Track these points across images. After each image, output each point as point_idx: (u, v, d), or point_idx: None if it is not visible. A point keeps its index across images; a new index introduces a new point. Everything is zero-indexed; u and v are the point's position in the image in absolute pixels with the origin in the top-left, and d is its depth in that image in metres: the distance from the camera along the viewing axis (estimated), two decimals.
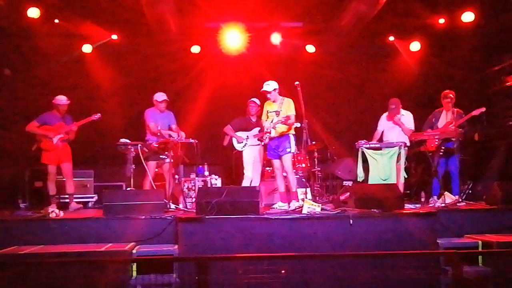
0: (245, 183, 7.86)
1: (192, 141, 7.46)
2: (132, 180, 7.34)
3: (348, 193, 6.87)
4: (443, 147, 7.22)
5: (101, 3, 8.67)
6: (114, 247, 5.54)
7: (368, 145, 7.39)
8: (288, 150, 6.98)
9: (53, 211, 6.48)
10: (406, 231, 5.93)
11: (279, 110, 6.99)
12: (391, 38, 10.13)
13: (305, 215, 6.06)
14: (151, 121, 7.54)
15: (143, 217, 6.11)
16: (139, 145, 7.32)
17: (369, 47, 10.46)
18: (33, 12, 8.40)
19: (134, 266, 5.41)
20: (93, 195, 8.93)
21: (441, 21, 9.44)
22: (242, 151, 8.05)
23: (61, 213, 6.58)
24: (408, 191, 7.94)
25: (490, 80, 9.72)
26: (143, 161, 7.33)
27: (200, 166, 8.63)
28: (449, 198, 7.07)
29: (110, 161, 8.95)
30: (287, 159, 7.02)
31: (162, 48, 9.96)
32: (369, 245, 5.78)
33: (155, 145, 7.44)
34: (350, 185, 8.03)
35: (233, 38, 9.51)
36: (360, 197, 6.44)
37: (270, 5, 8.83)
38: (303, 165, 8.47)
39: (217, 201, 5.96)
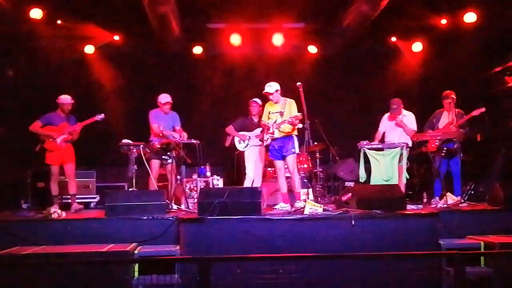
0: (247, 183, 7.86)
1: (194, 141, 7.46)
2: (134, 180, 7.35)
3: (350, 194, 6.86)
4: (445, 148, 7.22)
5: (103, 4, 8.68)
6: (116, 248, 5.54)
7: (370, 146, 7.39)
8: (293, 150, 6.96)
9: (55, 212, 6.49)
10: (408, 232, 5.92)
11: (283, 111, 6.98)
12: (393, 39, 10.13)
13: (307, 215, 6.05)
14: (154, 122, 7.55)
15: (145, 217, 6.12)
16: (141, 145, 7.33)
17: (371, 48, 10.46)
18: (36, 13, 8.41)
19: (136, 267, 5.41)
20: (95, 196, 8.93)
21: (443, 21, 9.44)
22: (244, 151, 8.06)
23: (63, 214, 6.59)
24: (410, 192, 7.93)
25: (493, 81, 9.70)
26: (145, 161, 7.35)
27: (202, 167, 8.63)
28: (451, 198, 7.06)
29: (112, 161, 8.97)
30: (292, 159, 7.01)
31: (164, 49, 9.98)
32: (371, 245, 5.76)
33: (157, 145, 7.45)
34: (352, 185, 8.03)
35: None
36: (362, 197, 6.44)
37: (272, 6, 8.84)
38: (305, 165, 8.47)
39: (219, 202, 5.96)
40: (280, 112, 7.00)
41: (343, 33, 9.49)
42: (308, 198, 7.12)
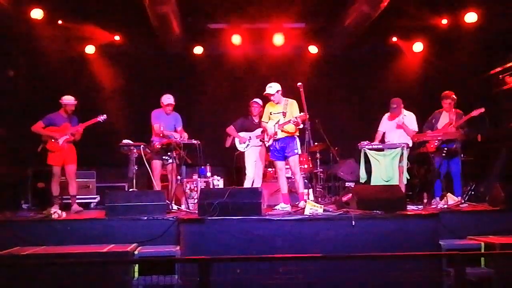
0: (247, 183, 7.86)
1: (195, 142, 7.46)
2: (134, 181, 7.35)
3: (351, 194, 6.86)
4: (445, 148, 7.21)
5: (103, 4, 8.68)
6: (116, 248, 5.55)
7: (370, 146, 7.38)
8: (295, 151, 6.95)
9: (55, 212, 6.50)
10: (409, 232, 5.92)
11: (285, 111, 6.97)
12: (394, 39, 10.13)
13: (307, 216, 6.05)
14: (156, 122, 7.56)
15: (145, 218, 6.12)
16: (142, 146, 7.33)
17: (372, 48, 10.46)
18: (37, 14, 8.42)
19: (136, 267, 5.41)
20: (95, 196, 8.94)
21: (444, 21, 9.44)
22: (244, 151, 8.05)
23: (63, 214, 6.59)
24: (411, 192, 7.92)
25: (493, 81, 9.69)
26: (145, 162, 7.34)
27: (203, 167, 8.63)
28: (451, 199, 7.05)
29: (113, 162, 8.96)
30: (295, 160, 6.99)
31: (165, 49, 9.99)
32: (371, 246, 5.76)
33: (158, 146, 7.45)
34: (353, 186, 8.02)
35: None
36: (362, 198, 6.43)
37: (272, 6, 8.84)
38: (305, 166, 8.47)
39: (219, 202, 5.96)
40: (283, 112, 6.98)
41: (343, 33, 9.50)
42: (308, 199, 7.11)
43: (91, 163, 9.04)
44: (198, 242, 5.80)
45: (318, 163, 8.99)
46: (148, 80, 10.02)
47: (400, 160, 7.26)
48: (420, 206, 6.99)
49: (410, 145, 7.42)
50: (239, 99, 9.44)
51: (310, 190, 8.06)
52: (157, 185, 7.46)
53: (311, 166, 8.68)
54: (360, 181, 7.42)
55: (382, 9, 8.29)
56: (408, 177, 7.40)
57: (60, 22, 8.98)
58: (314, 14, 9.60)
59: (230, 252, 5.64)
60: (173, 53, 10.16)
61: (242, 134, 8.07)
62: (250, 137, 8.04)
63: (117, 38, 9.71)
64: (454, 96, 7.38)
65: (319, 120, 8.00)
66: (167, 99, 7.65)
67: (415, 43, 10.06)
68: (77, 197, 7.67)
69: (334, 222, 5.98)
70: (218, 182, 8.76)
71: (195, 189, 8.38)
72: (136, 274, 5.40)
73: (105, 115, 7.53)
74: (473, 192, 8.19)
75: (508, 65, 9.24)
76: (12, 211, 7.52)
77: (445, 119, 7.50)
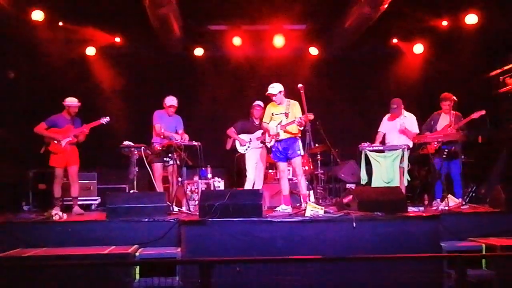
0: (247, 185, 7.87)
1: (195, 143, 7.47)
2: (135, 182, 7.36)
3: (351, 196, 6.86)
4: (446, 150, 7.21)
5: (104, 6, 8.69)
6: (117, 250, 5.55)
7: (371, 148, 7.38)
8: (298, 152, 6.92)
9: (56, 214, 6.49)
10: (409, 234, 5.92)
11: (288, 112, 6.95)
12: (395, 40, 10.13)
13: (308, 218, 6.05)
14: (157, 122, 7.57)
15: (146, 219, 6.12)
16: (143, 147, 7.34)
17: (373, 50, 10.46)
18: (37, 15, 8.43)
19: (137, 269, 5.41)
20: (96, 198, 8.95)
21: (444, 23, 9.44)
22: (245, 153, 8.05)
23: (64, 216, 6.59)
24: (411, 194, 7.92)
25: (494, 82, 9.70)
26: (146, 163, 7.34)
27: (203, 169, 8.62)
28: (452, 201, 7.05)
29: (113, 163, 8.96)
30: (298, 161, 6.98)
31: (165, 51, 9.99)
32: (372, 248, 5.77)
33: (158, 148, 7.45)
34: (353, 188, 8.03)
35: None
36: (363, 200, 6.44)
37: (273, 7, 8.84)
38: (306, 167, 8.46)
39: (220, 204, 5.95)
40: (285, 113, 6.96)
41: (344, 35, 9.50)
42: (309, 200, 7.11)
43: (92, 164, 9.04)
44: (199, 243, 5.80)
45: (319, 165, 8.98)
46: (148, 81, 10.03)
47: (401, 162, 7.26)
48: (421, 208, 6.99)
49: (411, 146, 7.43)
50: (240, 100, 9.45)
51: (311, 192, 8.06)
52: (158, 188, 7.46)
53: (311, 167, 8.68)
54: (361, 182, 7.42)
55: (382, 11, 8.29)
56: (409, 179, 7.40)
57: (60, 23, 8.99)
58: (315, 15, 9.60)
59: (231, 254, 5.64)
60: (173, 54, 10.16)
61: (242, 136, 8.07)
62: (250, 139, 8.05)
63: (117, 39, 9.72)
64: (453, 98, 7.39)
65: (319, 122, 8.00)
66: (171, 100, 7.66)
67: (415, 45, 10.06)
68: (78, 198, 7.67)
69: (335, 224, 5.98)
70: (219, 183, 8.75)
71: (196, 190, 8.37)
72: (137, 276, 5.41)
73: (108, 117, 7.53)
74: (474, 194, 8.19)
75: (508, 66, 9.25)
76: (13, 213, 7.54)
77: (444, 121, 7.50)
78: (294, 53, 10.28)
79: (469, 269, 5.18)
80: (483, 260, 5.73)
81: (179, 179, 7.71)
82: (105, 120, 7.51)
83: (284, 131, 6.94)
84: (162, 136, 7.51)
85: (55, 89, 8.83)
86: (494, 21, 8.89)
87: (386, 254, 5.55)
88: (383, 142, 7.68)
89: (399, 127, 7.55)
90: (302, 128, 6.85)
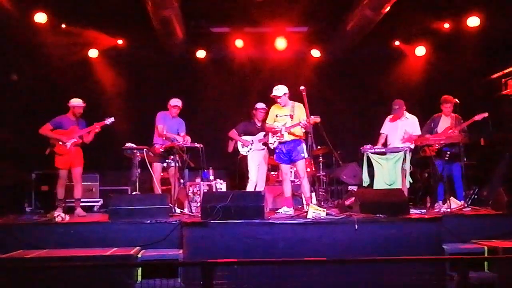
0: (250, 187, 7.87)
1: (198, 145, 7.47)
2: (137, 184, 7.36)
3: (353, 198, 6.86)
4: (448, 152, 7.21)
5: (107, 8, 8.72)
6: (119, 252, 5.55)
7: (373, 150, 7.38)
8: (302, 155, 6.89)
9: (59, 215, 6.51)
10: (411, 236, 5.90)
11: (292, 114, 6.94)
12: (397, 43, 10.14)
13: (310, 220, 6.05)
14: (160, 123, 7.58)
15: (148, 221, 6.12)
16: (145, 149, 7.35)
17: (375, 52, 10.47)
18: (40, 18, 8.46)
19: (139, 271, 5.42)
20: (99, 199, 8.97)
21: (446, 26, 9.45)
22: (247, 155, 8.06)
23: (67, 217, 6.60)
24: (413, 196, 7.92)
25: (496, 85, 9.70)
26: (148, 165, 7.35)
27: (205, 171, 8.64)
28: (454, 203, 7.04)
29: (116, 165, 8.98)
30: (302, 164, 6.95)
31: (167, 53, 10.01)
32: (374, 250, 5.76)
33: (161, 150, 7.46)
34: (355, 190, 8.02)
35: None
36: (365, 202, 6.43)
37: (275, 10, 8.86)
38: (308, 169, 8.45)
39: (222, 206, 5.95)
40: (290, 115, 6.95)
41: (346, 37, 9.52)
42: (311, 202, 7.10)
43: (95, 166, 9.05)
44: (201, 245, 5.80)
45: (321, 167, 8.99)
46: (151, 83, 10.06)
47: (403, 164, 7.26)
48: (423, 210, 6.99)
49: (412, 147, 7.43)
50: (242, 102, 9.47)
51: (313, 194, 8.04)
52: (156, 188, 7.45)
53: (314, 169, 8.68)
54: (363, 184, 7.42)
55: (384, 13, 8.30)
56: (411, 181, 7.40)
57: (63, 26, 9.03)
58: (317, 18, 9.62)
59: (233, 256, 5.62)
60: (175, 56, 10.19)
61: (244, 138, 8.08)
62: (252, 141, 8.05)
63: (120, 42, 9.75)
64: (456, 100, 7.38)
65: (321, 124, 8.00)
66: (175, 101, 7.70)
67: (417, 47, 10.08)
68: (81, 200, 7.67)
69: (337, 226, 5.97)
70: (221, 185, 8.77)
71: (198, 192, 8.40)
72: (139, 278, 5.41)
73: (112, 118, 7.55)
74: (476, 196, 8.18)
75: (511, 68, 9.24)
76: (16, 215, 7.55)
77: (445, 123, 7.51)
78: (296, 55, 10.30)
79: (471, 272, 5.22)
80: (486, 263, 5.71)
81: (181, 180, 7.72)
82: (109, 120, 7.53)
83: (289, 133, 6.93)
84: (164, 138, 7.52)
85: (57, 91, 8.88)
86: (496, 24, 8.90)
87: (388, 256, 5.54)
88: (385, 144, 7.68)
89: (400, 129, 7.55)
90: (304, 131, 6.85)
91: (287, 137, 6.92)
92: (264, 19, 9.23)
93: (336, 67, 10.43)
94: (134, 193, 7.39)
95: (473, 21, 8.92)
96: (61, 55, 9.29)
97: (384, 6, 8.06)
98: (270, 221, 6.03)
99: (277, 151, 7.07)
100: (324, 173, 9.07)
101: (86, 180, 8.68)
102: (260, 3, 8.65)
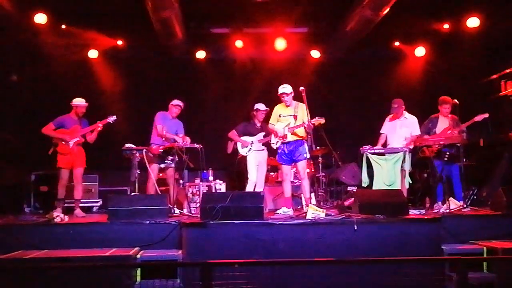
0: (249, 187, 7.87)
1: (197, 146, 7.47)
2: (136, 185, 7.36)
3: (353, 199, 6.86)
4: (447, 153, 7.21)
5: (106, 9, 8.72)
6: (118, 252, 5.55)
7: (372, 151, 7.39)
8: (304, 155, 6.89)
9: (58, 216, 6.51)
10: (411, 237, 5.91)
11: (296, 114, 6.94)
12: (397, 43, 10.15)
13: (309, 220, 6.05)
14: (160, 123, 7.58)
15: (148, 222, 6.12)
16: (144, 150, 7.35)
17: (374, 52, 10.48)
18: (40, 18, 8.47)
19: (138, 271, 5.42)
20: (98, 200, 8.97)
21: (446, 26, 9.46)
22: (246, 155, 8.06)
23: (66, 218, 6.60)
24: (413, 197, 7.92)
25: (495, 85, 9.70)
26: (147, 165, 7.35)
27: (205, 171, 8.63)
28: (453, 203, 7.05)
29: (115, 166, 8.98)
30: (303, 165, 6.96)
31: (167, 54, 10.02)
32: (374, 250, 5.76)
33: (160, 150, 7.46)
34: (355, 190, 8.02)
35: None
36: (364, 202, 6.43)
37: (275, 10, 8.86)
38: (308, 170, 8.46)
39: (221, 206, 5.95)
40: (294, 115, 6.95)
41: (346, 38, 9.52)
42: (310, 203, 7.11)
43: (94, 167, 9.04)
44: (200, 246, 5.80)
45: (320, 167, 8.99)
46: (150, 84, 10.06)
47: (402, 164, 7.26)
48: (422, 211, 6.99)
49: (411, 147, 7.43)
50: (241, 103, 9.47)
51: (312, 194, 8.05)
52: (149, 189, 7.43)
53: (313, 170, 8.68)
54: (362, 185, 7.42)
55: (384, 14, 8.30)
56: (410, 181, 7.40)
57: (63, 26, 9.03)
58: (316, 18, 9.63)
59: (232, 256, 5.62)
60: (175, 57, 10.19)
61: (244, 138, 8.08)
62: (252, 141, 8.05)
63: (120, 42, 9.75)
64: (455, 101, 7.38)
65: (321, 125, 8.00)
66: (177, 101, 7.71)
67: (417, 48, 10.09)
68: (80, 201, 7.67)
69: (336, 227, 5.97)
70: (220, 186, 8.77)
71: (197, 193, 8.39)
72: (138, 278, 5.41)
73: (114, 116, 7.56)
74: (475, 197, 8.19)
75: (510, 69, 9.25)
76: (15, 215, 7.54)
77: (444, 124, 7.51)
78: (296, 56, 10.31)
79: (470, 272, 5.19)
80: (485, 263, 5.71)
81: (181, 181, 7.71)
82: (112, 119, 7.53)
83: (292, 133, 6.93)
84: (163, 138, 7.52)
85: (57, 92, 8.88)
86: (495, 25, 8.91)
87: (387, 257, 5.54)
88: (385, 144, 7.68)
89: (398, 129, 7.56)
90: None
91: (290, 138, 6.93)
92: (264, 20, 9.24)
93: (336, 67, 10.43)
94: (133, 193, 7.39)
95: (473, 22, 8.93)
96: (61, 56, 9.30)
97: (384, 6, 8.06)
98: (269, 221, 6.03)
99: (279, 151, 7.07)
100: (323, 174, 9.06)
101: (86, 180, 8.65)
102: (260, 3, 8.67)
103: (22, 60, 9.38)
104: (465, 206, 7.09)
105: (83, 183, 8.04)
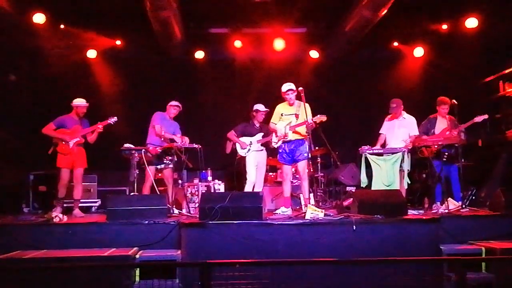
0: (248, 187, 7.87)
1: (196, 146, 7.48)
2: (135, 185, 7.36)
3: (351, 199, 6.86)
4: (446, 153, 7.22)
5: (105, 9, 8.72)
6: (117, 252, 5.55)
7: (371, 151, 7.40)
8: (305, 155, 6.89)
9: (57, 216, 6.50)
10: (409, 237, 5.91)
11: (298, 113, 6.93)
12: (395, 44, 10.16)
13: (308, 220, 6.05)
14: (158, 123, 7.58)
15: (146, 222, 6.12)
16: (143, 150, 7.34)
17: (373, 53, 10.49)
18: (39, 18, 8.46)
19: (137, 271, 5.41)
20: (97, 200, 8.96)
21: (444, 27, 9.47)
22: (245, 156, 8.06)
23: (65, 218, 6.60)
24: (411, 197, 7.93)
25: (494, 86, 9.72)
26: (146, 166, 7.34)
27: (204, 171, 8.64)
28: (452, 204, 7.06)
29: (114, 166, 8.97)
30: (304, 165, 6.96)
31: (166, 54, 10.01)
32: (372, 251, 5.76)
33: (159, 150, 7.46)
34: (353, 190, 8.03)
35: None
36: (363, 202, 6.43)
37: (273, 11, 8.86)
38: (307, 170, 8.47)
39: (220, 206, 5.95)
40: (296, 114, 6.95)
41: (344, 38, 9.53)
42: (309, 203, 7.11)
43: (93, 167, 9.03)
44: (199, 246, 5.79)
45: (319, 168, 9.00)
46: (149, 84, 10.05)
47: (401, 165, 7.27)
48: (421, 211, 7.00)
49: (410, 147, 7.44)
50: (240, 103, 9.47)
51: (311, 195, 8.06)
52: (147, 189, 7.43)
53: (312, 170, 8.68)
54: (361, 185, 7.42)
55: (383, 14, 8.31)
56: (409, 182, 7.41)
57: (62, 26, 9.02)
58: (315, 19, 9.64)
59: (231, 256, 5.63)
60: (174, 57, 10.18)
61: (243, 139, 8.08)
62: (251, 142, 8.05)
63: (118, 42, 9.75)
64: (454, 101, 7.39)
65: (320, 125, 8.00)
66: (175, 102, 7.71)
67: (416, 48, 10.10)
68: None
69: (335, 227, 5.97)
70: (219, 186, 8.78)
71: (196, 193, 8.40)
72: (137, 278, 5.41)
73: (115, 117, 7.56)
74: (473, 197, 8.20)
75: (508, 70, 9.27)
76: (13, 215, 7.53)
77: (442, 124, 7.52)
78: (295, 56, 10.31)
79: (469, 272, 5.23)
80: (483, 264, 5.71)
81: (179, 181, 7.70)
82: (112, 120, 7.54)
83: (293, 132, 6.92)
84: (162, 138, 7.52)
85: (56, 92, 8.87)
86: (494, 25, 8.92)
87: (386, 257, 5.55)
88: (384, 144, 7.69)
89: (397, 129, 7.57)
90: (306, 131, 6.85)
91: (291, 136, 6.93)
92: (263, 20, 9.24)
93: (334, 68, 10.44)
94: (132, 193, 7.39)
95: (471, 23, 8.95)
96: (60, 56, 9.28)
97: (383, 7, 8.07)
98: (268, 221, 6.03)
99: (280, 150, 7.09)
100: (322, 174, 9.07)
101: (84, 180, 8.64)
102: (259, 4, 8.67)
103: (20, 60, 9.37)
104: (463, 206, 7.10)
105: (82, 183, 8.04)
